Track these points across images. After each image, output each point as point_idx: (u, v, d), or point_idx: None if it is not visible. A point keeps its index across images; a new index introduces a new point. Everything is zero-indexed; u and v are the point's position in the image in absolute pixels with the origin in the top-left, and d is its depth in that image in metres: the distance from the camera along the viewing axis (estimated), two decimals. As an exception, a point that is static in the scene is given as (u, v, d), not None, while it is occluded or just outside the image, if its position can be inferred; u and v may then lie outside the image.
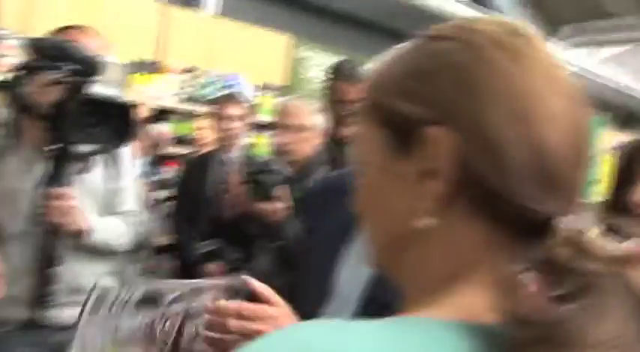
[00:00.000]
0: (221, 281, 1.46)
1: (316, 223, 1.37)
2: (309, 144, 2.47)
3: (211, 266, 2.49)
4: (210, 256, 2.30)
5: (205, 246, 2.26)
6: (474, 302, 0.55)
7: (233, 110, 3.24)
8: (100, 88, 1.65)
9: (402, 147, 0.58)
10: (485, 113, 0.54)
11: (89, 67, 1.59)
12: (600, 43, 8.67)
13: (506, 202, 0.54)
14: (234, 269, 2.25)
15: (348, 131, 3.25)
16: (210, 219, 2.59)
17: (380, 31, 7.07)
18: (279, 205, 2.19)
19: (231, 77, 5.45)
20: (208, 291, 1.43)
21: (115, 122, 1.71)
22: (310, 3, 6.45)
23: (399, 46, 0.65)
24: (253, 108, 4.18)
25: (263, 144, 5.43)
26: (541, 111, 0.54)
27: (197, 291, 1.42)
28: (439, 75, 0.57)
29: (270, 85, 5.86)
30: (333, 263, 1.22)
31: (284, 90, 6.06)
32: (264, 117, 5.57)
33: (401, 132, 0.58)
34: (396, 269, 0.62)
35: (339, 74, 3.15)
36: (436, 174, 0.55)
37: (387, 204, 0.60)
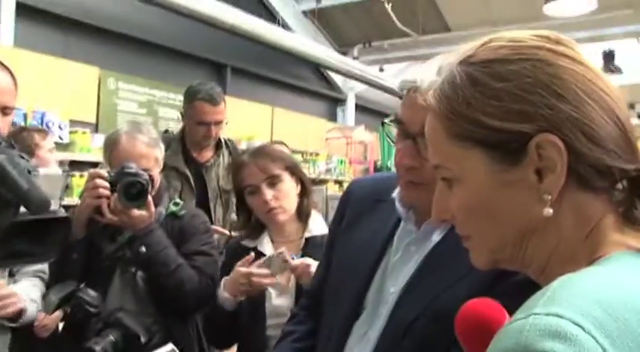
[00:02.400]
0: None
1: (354, 223, 1.34)
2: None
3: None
4: (65, 302, 2.02)
5: (57, 292, 2.00)
6: (622, 239, 0.68)
7: None
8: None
9: (509, 158, 0.69)
10: (579, 110, 0.67)
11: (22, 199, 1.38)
12: (386, 61, 9.45)
13: (606, 169, 0.67)
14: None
15: (207, 154, 3.17)
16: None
17: (190, 59, 7.00)
18: (151, 211, 2.03)
19: (37, 114, 5.00)
20: None
21: (49, 236, 1.50)
22: (115, 33, 6.13)
23: (441, 80, 0.73)
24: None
25: (78, 184, 5.08)
26: (613, 95, 0.70)
27: None
28: (531, 92, 0.67)
29: (81, 120, 5.47)
30: (368, 277, 1.22)
31: (96, 125, 5.72)
32: (78, 156, 5.22)
33: (507, 147, 0.69)
34: (521, 258, 0.72)
35: (199, 95, 3.02)
36: (554, 169, 0.67)
37: (504, 208, 0.70)
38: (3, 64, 1.74)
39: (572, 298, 0.56)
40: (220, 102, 3.06)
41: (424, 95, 0.77)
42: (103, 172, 2.06)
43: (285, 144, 3.30)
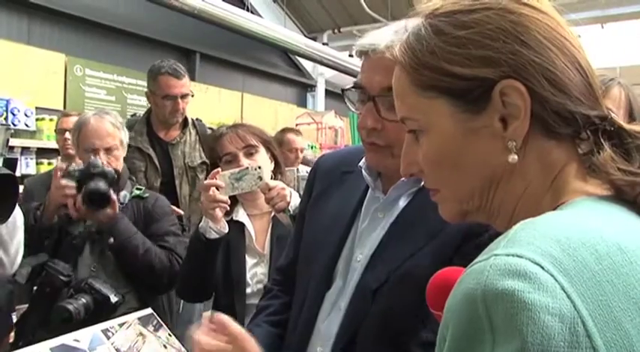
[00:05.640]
0: (132, 316, 1.42)
1: (322, 196, 1.35)
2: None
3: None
4: (38, 272, 2.12)
5: (28, 263, 2.09)
6: (583, 187, 0.69)
7: None
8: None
9: (474, 106, 0.69)
10: (542, 56, 0.68)
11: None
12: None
13: (569, 115, 0.69)
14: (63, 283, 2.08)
15: (173, 133, 3.17)
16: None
17: (158, 46, 6.91)
18: (115, 208, 2.14)
19: (2, 102, 4.91)
20: (125, 327, 1.39)
21: None
22: (81, 19, 6.01)
23: (399, 30, 0.74)
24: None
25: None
26: (575, 43, 0.71)
27: (111, 330, 1.38)
28: (493, 39, 0.68)
29: (48, 108, 5.37)
30: (338, 247, 1.24)
31: (63, 112, 5.61)
32: (45, 143, 5.13)
33: (471, 95, 0.69)
34: (488, 208, 0.73)
35: (162, 70, 3.07)
36: (518, 116, 0.68)
37: (470, 157, 0.71)
38: None
39: (531, 239, 0.56)
40: (184, 75, 3.11)
41: (391, 51, 0.78)
42: (71, 167, 2.18)
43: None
